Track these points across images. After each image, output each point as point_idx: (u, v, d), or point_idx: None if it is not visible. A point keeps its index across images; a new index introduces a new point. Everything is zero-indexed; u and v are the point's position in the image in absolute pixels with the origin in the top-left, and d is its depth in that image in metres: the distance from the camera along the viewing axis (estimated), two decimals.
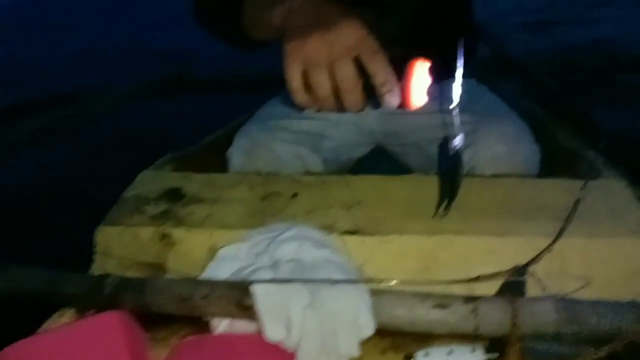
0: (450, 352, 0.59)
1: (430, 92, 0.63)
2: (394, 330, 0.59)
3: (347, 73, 0.57)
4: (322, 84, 0.57)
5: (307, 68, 0.57)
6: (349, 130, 0.97)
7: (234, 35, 0.79)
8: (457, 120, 0.68)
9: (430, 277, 0.65)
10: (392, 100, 0.59)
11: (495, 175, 0.77)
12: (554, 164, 0.93)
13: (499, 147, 0.83)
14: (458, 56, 0.67)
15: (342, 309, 0.54)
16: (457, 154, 0.68)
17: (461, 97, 0.93)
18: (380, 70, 0.57)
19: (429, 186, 0.75)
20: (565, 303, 0.57)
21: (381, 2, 0.90)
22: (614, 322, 0.54)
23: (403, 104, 0.62)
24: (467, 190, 0.74)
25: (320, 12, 0.61)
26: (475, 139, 0.83)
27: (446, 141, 0.84)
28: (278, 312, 0.54)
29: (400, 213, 0.69)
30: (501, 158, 0.83)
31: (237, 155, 0.88)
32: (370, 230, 0.66)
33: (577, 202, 0.68)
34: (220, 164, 0.92)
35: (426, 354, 0.58)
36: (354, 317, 0.55)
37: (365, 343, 0.60)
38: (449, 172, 0.67)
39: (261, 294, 0.55)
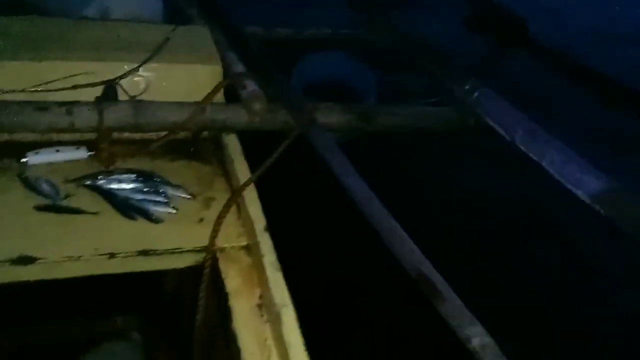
0: (57, 151, 0.75)
1: None
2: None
3: None
4: None
5: None
6: None
7: None
8: None
9: (40, 97, 0.78)
10: None
11: (107, 19, 0.93)
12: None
13: None
14: None
15: None
16: None
17: None
18: None
19: (46, 25, 0.86)
20: (140, 103, 0.78)
21: None
22: (174, 116, 0.78)
23: None
24: (80, 29, 0.88)
25: None
26: None
27: None
28: None
29: (12, 45, 0.79)
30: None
31: None
32: None
33: (165, 40, 0.89)
34: None
35: (36, 153, 0.73)
36: None
37: None
38: None
39: None
